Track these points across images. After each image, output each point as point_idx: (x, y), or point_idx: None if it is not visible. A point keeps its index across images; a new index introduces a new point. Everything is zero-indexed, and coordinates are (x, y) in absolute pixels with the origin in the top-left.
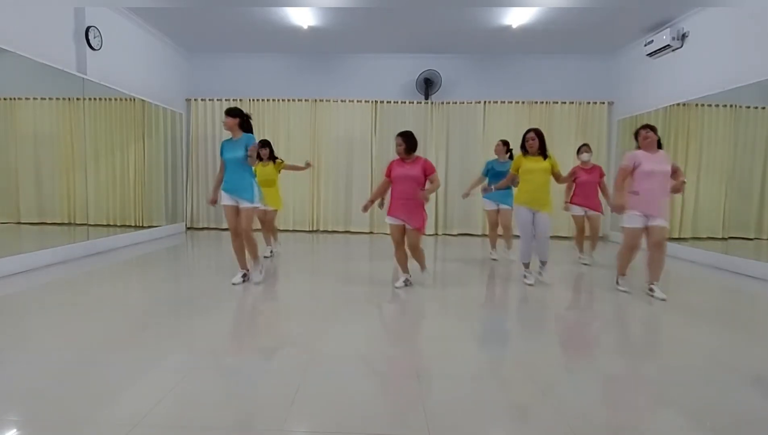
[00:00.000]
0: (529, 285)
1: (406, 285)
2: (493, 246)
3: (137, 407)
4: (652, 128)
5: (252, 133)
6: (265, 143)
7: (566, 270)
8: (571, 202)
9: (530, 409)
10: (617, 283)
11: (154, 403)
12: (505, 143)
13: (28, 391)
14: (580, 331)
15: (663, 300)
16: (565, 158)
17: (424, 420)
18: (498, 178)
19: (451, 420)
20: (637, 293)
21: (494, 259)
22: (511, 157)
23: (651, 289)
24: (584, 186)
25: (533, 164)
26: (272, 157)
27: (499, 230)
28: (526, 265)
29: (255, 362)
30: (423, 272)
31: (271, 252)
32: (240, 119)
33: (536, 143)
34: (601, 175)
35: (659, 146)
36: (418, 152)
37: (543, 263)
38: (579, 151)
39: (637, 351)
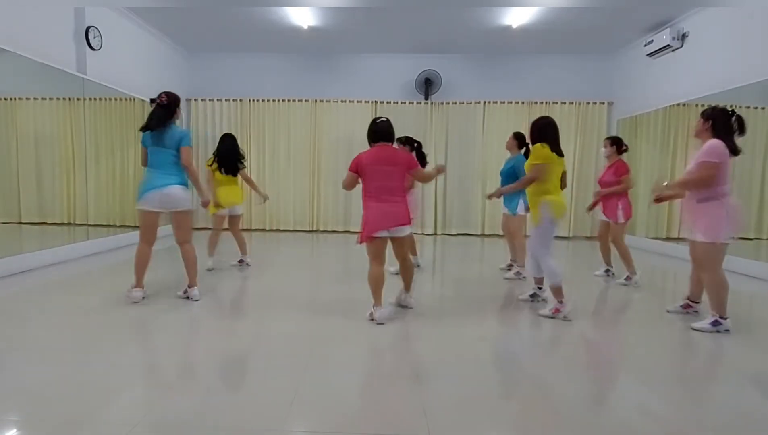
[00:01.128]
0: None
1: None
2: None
3: (137, 407)
4: (703, 115)
5: (169, 119)
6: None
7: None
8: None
9: (530, 409)
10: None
11: (153, 403)
12: (517, 136)
13: (28, 391)
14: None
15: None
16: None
17: (424, 420)
18: (504, 177)
19: (451, 420)
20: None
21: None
22: (526, 154)
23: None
24: (601, 187)
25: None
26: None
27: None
28: (535, 280)
29: (255, 362)
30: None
31: (240, 261)
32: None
33: (529, 135)
34: (618, 172)
35: (721, 133)
36: None
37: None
38: None
39: (637, 354)
